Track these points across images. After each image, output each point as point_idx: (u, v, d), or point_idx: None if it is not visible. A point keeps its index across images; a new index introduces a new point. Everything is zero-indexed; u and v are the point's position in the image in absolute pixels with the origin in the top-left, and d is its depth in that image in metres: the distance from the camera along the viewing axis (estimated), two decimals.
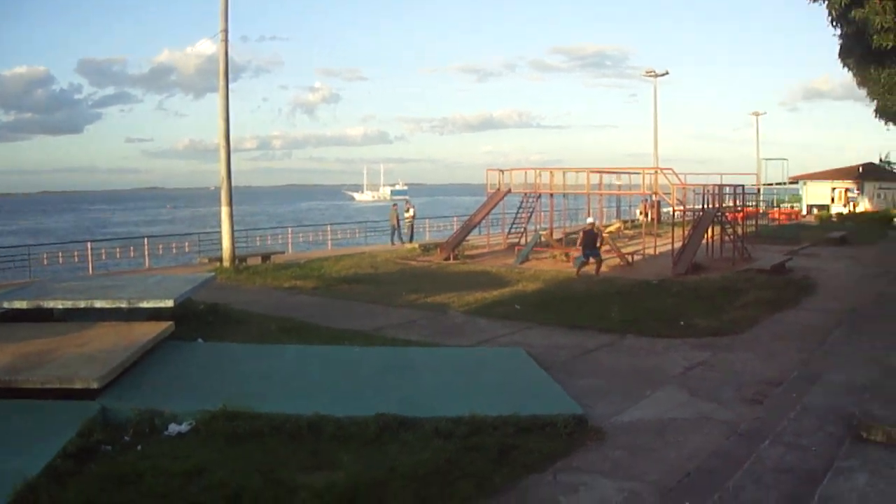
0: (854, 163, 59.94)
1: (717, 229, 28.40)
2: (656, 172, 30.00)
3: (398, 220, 37.04)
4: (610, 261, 26.64)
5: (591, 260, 24.41)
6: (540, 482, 7.70)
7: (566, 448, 8.52)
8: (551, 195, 32.61)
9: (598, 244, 24.77)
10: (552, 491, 7.50)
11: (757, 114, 71.54)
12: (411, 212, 36.93)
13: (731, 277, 22.25)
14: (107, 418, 9.30)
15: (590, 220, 27.33)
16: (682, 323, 15.65)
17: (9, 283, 21.34)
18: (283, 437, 8.75)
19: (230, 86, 27.30)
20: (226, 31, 26.83)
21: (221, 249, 27.67)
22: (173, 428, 9.09)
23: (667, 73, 54.19)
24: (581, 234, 25.95)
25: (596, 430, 9.10)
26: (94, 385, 9.86)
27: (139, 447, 8.62)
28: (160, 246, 34.21)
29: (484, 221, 33.99)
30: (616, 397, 10.63)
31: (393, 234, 36.91)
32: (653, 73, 53.90)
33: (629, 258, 26.92)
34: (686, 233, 26.69)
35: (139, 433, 8.98)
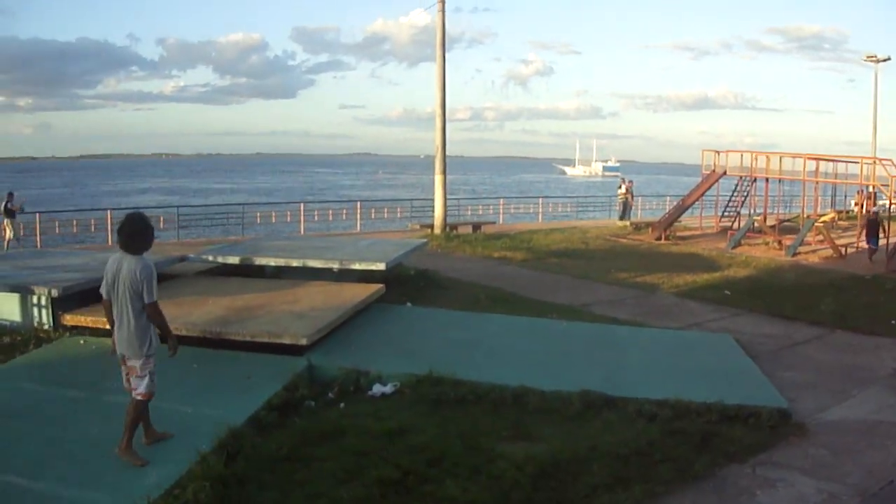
0: None
1: None
2: (874, 162, 28.27)
3: (631, 196, 36.19)
4: (822, 252, 25.39)
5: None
6: (739, 473, 7.27)
7: (768, 441, 8.01)
8: (766, 180, 31.22)
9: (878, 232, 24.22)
10: (750, 484, 7.06)
11: None
12: (623, 188, 36.12)
13: None
14: (313, 375, 9.38)
15: (874, 208, 26.26)
16: (893, 322, 14.56)
17: (223, 240, 22.17)
18: (486, 406, 8.58)
19: (445, 56, 27.42)
20: (443, 1, 26.97)
21: (433, 217, 27.99)
22: (377, 388, 9.07)
23: (888, 58, 50.24)
24: (866, 221, 25.43)
25: (799, 425, 8.51)
26: (303, 342, 9.97)
27: (343, 405, 8.65)
28: (372, 210, 34.96)
29: (697, 203, 32.99)
30: (821, 393, 9.93)
31: (625, 211, 36.06)
32: (874, 58, 50.38)
33: (842, 250, 25.47)
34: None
35: (344, 391, 9.02)
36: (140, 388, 6.96)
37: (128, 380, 7.07)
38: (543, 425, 8.11)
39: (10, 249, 22.56)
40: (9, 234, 23.91)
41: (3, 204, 23.90)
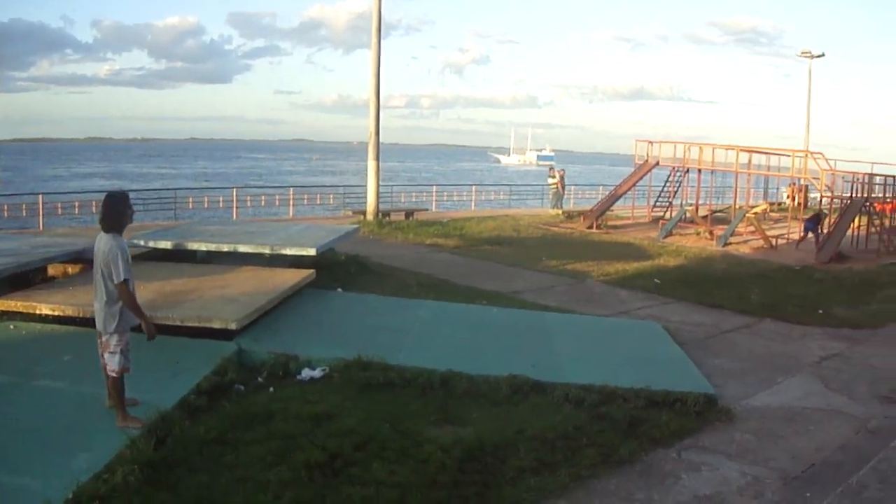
0: None
1: (865, 219, 27.25)
2: (806, 156, 28.95)
3: (563, 185, 36.44)
4: (753, 243, 26.06)
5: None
6: (665, 458, 7.50)
7: (694, 426, 8.27)
8: (699, 171, 31.72)
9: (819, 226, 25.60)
10: (675, 468, 7.29)
11: None
12: (556, 178, 36.34)
13: (875, 270, 21.22)
14: (242, 359, 9.43)
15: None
16: (820, 311, 15.01)
17: (155, 224, 21.99)
18: (414, 391, 8.71)
19: (381, 42, 27.46)
20: None
21: (366, 203, 28.01)
22: (306, 373, 9.15)
23: (823, 54, 51.14)
24: (812, 215, 27.04)
25: (725, 410, 8.81)
26: (233, 326, 9.98)
27: (272, 389, 8.71)
28: (305, 196, 34.90)
29: (630, 193, 33.49)
30: (748, 380, 10.27)
31: (553, 199, 36.26)
32: (808, 54, 51.15)
33: (773, 241, 26.07)
34: (832, 220, 25.67)
35: (273, 376, 9.07)
36: (112, 364, 7.16)
37: (102, 356, 7.24)
38: (471, 409, 8.27)
39: None
40: None
41: None
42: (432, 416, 7.97)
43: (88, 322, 9.78)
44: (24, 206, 27.40)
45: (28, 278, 12.11)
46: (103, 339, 7.21)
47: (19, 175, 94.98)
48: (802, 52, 51.38)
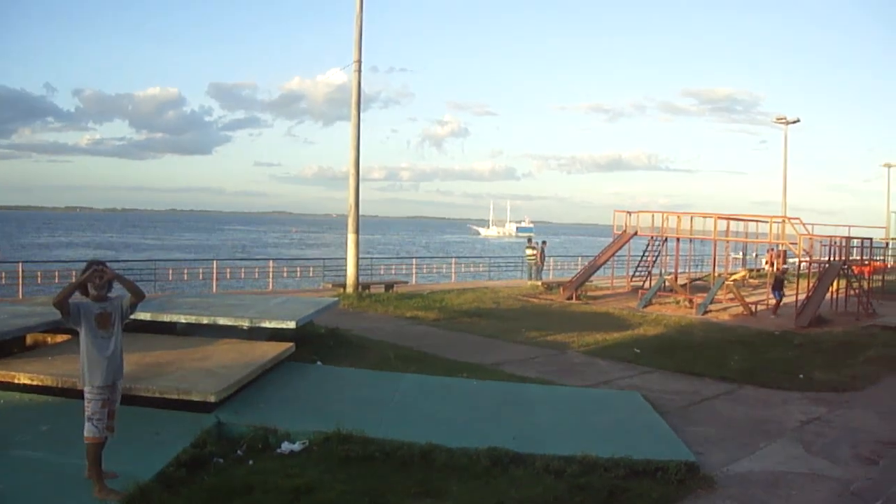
0: None
1: (843, 282, 27.54)
2: (783, 221, 29.41)
3: (542, 257, 36.63)
4: (732, 309, 26.31)
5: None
6: None
7: (676, 495, 8.26)
8: (677, 240, 32.08)
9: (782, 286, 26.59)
10: None
11: (889, 165, 68.57)
12: (533, 250, 36.47)
13: (854, 332, 21.50)
14: (221, 432, 9.38)
15: (785, 265, 29.74)
16: (801, 376, 15.10)
17: None
18: (394, 464, 8.67)
19: (360, 115, 27.74)
20: (359, 61, 27.47)
21: (346, 276, 28.05)
22: (286, 446, 9.10)
23: (798, 120, 52.22)
24: (774, 277, 27.73)
25: (707, 478, 8.81)
26: (212, 399, 9.96)
27: (251, 462, 8.65)
28: (285, 269, 34.94)
29: (609, 263, 33.66)
30: (729, 447, 10.28)
31: (531, 271, 36.38)
32: (784, 120, 52.14)
33: (752, 307, 26.28)
34: (811, 284, 25.95)
35: (252, 448, 9.03)
36: (84, 430, 7.19)
37: None
38: (451, 482, 8.21)
39: None
40: None
41: None
42: (412, 489, 7.92)
43: (67, 392, 9.83)
44: (2, 274, 27.37)
45: (6, 347, 12.06)
46: None
47: (2, 242, 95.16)
48: (778, 119, 52.36)
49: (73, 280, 7.31)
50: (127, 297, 7.42)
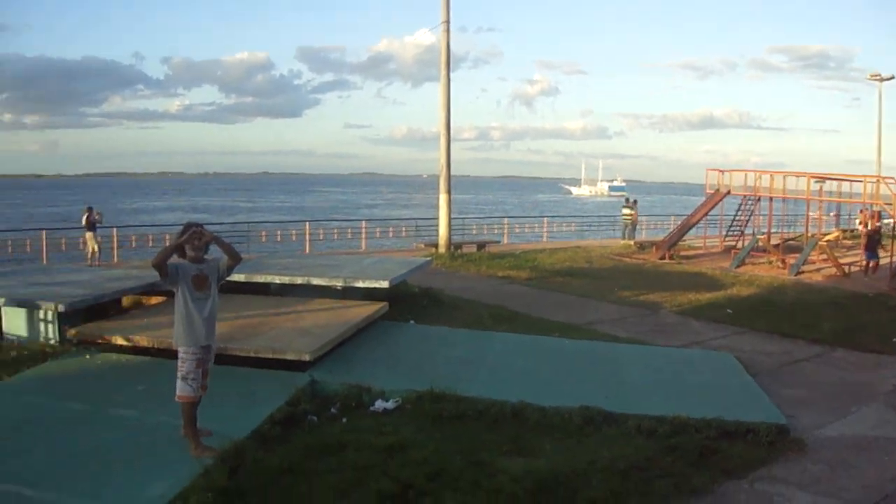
0: None
1: None
2: (878, 181, 28.31)
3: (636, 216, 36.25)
4: (825, 271, 25.59)
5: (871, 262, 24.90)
6: (737, 488, 7.30)
7: (766, 457, 8.06)
8: (770, 199, 31.24)
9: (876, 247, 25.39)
10: (748, 499, 7.10)
11: None
12: (633, 208, 36.02)
13: None
14: (315, 390, 9.47)
15: (878, 223, 27.89)
16: (894, 340, 14.65)
17: None
18: (486, 422, 8.65)
19: (450, 76, 27.62)
20: (448, 21, 27.22)
21: (438, 236, 28.09)
22: (379, 404, 9.13)
23: (893, 77, 50.25)
24: (866, 236, 26.48)
25: (798, 441, 8.58)
26: (306, 357, 10.06)
27: (345, 420, 8.72)
28: (377, 230, 35.12)
29: (701, 222, 33.11)
30: (820, 410, 9.98)
31: (626, 230, 36.07)
32: (878, 77, 49.96)
33: (846, 269, 25.56)
34: None
35: (346, 407, 9.09)
36: (177, 389, 7.30)
37: None
38: (543, 441, 8.16)
39: (93, 263, 23.32)
40: (92, 246, 24.39)
41: (85, 217, 24.18)
42: (505, 448, 7.89)
43: (162, 352, 10.02)
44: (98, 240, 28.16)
45: (104, 310, 12.36)
46: None
47: (106, 208, 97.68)
48: (872, 76, 50.40)
49: (170, 242, 7.36)
50: (224, 260, 7.50)
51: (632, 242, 33.34)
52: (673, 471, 7.44)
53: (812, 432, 9.01)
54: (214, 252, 7.53)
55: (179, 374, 7.24)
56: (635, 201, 37.13)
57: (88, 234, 24.27)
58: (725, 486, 7.35)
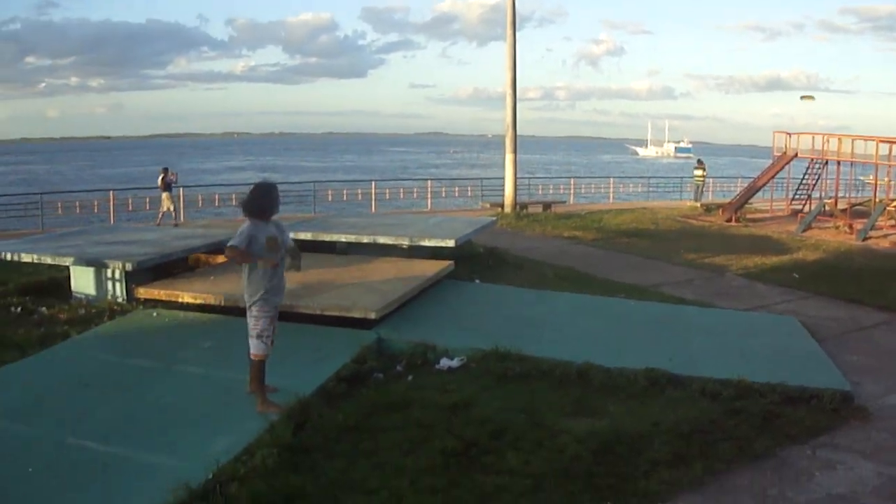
0: None
1: None
2: None
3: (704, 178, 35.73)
4: (893, 237, 24.80)
5: None
6: (799, 454, 7.20)
7: (829, 423, 7.91)
8: (838, 163, 30.47)
9: None
10: (809, 465, 6.99)
11: None
12: (704, 170, 35.54)
13: None
14: (381, 348, 9.53)
15: None
16: None
17: (294, 216, 22.39)
18: (550, 382, 8.62)
19: (515, 35, 27.39)
20: None
21: (503, 195, 28.02)
22: (444, 362, 9.17)
23: None
24: None
25: (861, 409, 8.38)
26: (372, 315, 10.12)
27: (410, 377, 8.77)
28: (443, 189, 35.11)
29: (768, 185, 32.50)
30: (886, 378, 9.73)
31: (697, 191, 35.58)
32: None
33: None
34: None
35: (411, 364, 9.14)
36: (250, 347, 7.40)
37: None
38: (607, 402, 8.12)
39: (166, 223, 23.62)
40: (168, 206, 24.81)
41: (161, 178, 24.59)
42: (568, 408, 7.88)
43: (228, 310, 10.14)
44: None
45: (170, 268, 12.54)
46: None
47: (177, 168, 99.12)
48: None
49: (246, 232, 7.34)
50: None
51: (698, 204, 32.95)
52: (736, 434, 7.38)
53: (876, 400, 8.82)
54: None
55: (254, 333, 7.32)
56: (700, 162, 36.65)
57: (165, 195, 24.64)
58: (788, 451, 7.26)
